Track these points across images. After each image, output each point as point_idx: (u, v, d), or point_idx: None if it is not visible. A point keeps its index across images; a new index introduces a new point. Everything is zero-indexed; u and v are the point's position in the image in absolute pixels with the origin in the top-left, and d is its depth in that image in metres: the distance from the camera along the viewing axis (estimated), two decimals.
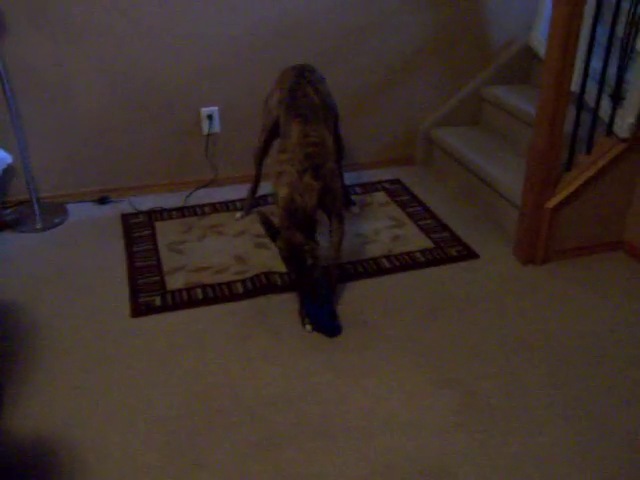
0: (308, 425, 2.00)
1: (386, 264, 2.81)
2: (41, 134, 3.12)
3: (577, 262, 2.86)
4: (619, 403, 2.11)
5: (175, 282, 2.67)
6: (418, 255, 2.88)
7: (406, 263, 2.82)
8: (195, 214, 3.21)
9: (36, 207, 3.11)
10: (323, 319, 2.40)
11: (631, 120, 2.60)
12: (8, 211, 3.15)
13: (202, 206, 3.27)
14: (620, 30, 2.60)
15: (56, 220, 3.12)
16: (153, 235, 3.01)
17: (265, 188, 3.15)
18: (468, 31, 3.52)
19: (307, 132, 2.42)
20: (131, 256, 2.85)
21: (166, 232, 3.04)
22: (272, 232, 2.33)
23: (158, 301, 2.56)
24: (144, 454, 1.90)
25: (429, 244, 2.97)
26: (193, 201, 3.33)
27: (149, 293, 2.60)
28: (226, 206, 3.28)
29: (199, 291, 2.62)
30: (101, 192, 3.31)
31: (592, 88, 2.71)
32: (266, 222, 2.32)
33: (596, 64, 2.65)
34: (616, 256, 2.92)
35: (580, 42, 2.46)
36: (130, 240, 2.97)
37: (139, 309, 2.51)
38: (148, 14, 3.01)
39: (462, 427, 2.01)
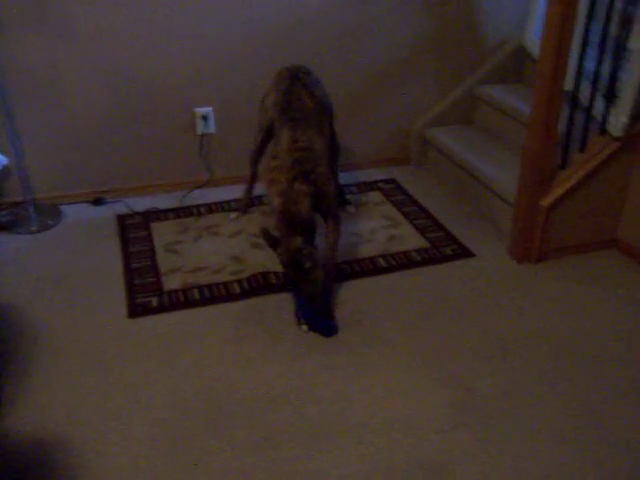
0: (306, 424, 2.01)
1: (382, 263, 2.82)
2: (36, 135, 3.11)
3: (572, 260, 2.88)
4: (616, 400, 2.13)
5: (172, 283, 2.67)
6: (414, 254, 2.89)
7: (402, 262, 2.83)
8: (191, 215, 3.20)
9: (31, 208, 3.10)
10: (318, 319, 2.41)
11: (624, 119, 2.62)
12: (3, 213, 3.14)
13: (198, 207, 3.27)
14: (613, 29, 2.61)
15: (51, 221, 3.11)
16: (149, 236, 3.01)
17: (261, 188, 3.15)
18: (462, 31, 3.53)
19: (296, 138, 2.44)
20: (127, 257, 2.84)
21: (162, 233, 3.04)
22: (272, 243, 2.37)
23: (155, 302, 2.56)
24: (143, 454, 1.90)
25: (425, 243, 2.98)
26: (189, 202, 3.33)
27: (146, 294, 2.60)
28: (222, 206, 3.28)
29: (196, 292, 2.62)
30: (96, 193, 3.31)
31: (586, 87, 2.73)
32: (265, 234, 2.37)
33: (589, 63, 2.67)
34: (610, 254, 2.94)
35: (573, 41, 2.48)
36: (126, 241, 2.96)
37: (136, 310, 2.51)
38: (143, 14, 3.01)
39: (460, 425, 2.02)
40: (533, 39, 3.42)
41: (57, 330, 2.40)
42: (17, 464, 1.86)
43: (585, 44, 2.59)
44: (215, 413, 2.05)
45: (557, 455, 1.92)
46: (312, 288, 2.33)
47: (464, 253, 2.91)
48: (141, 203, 3.29)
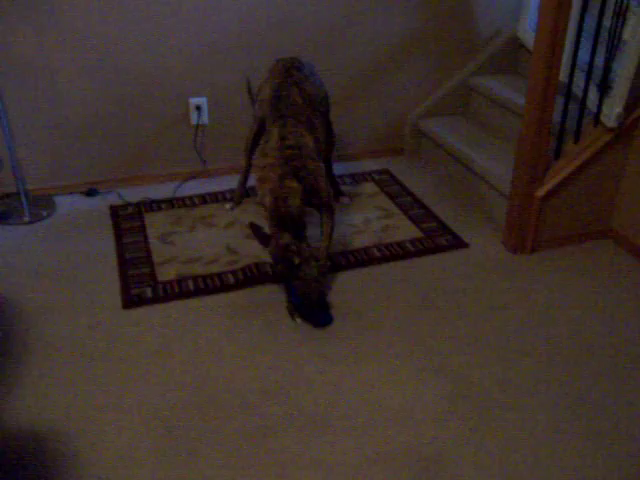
0: (302, 414, 2.02)
1: (376, 254, 2.82)
2: (28, 126, 3.09)
3: (566, 250, 2.89)
4: (610, 389, 2.14)
5: (166, 274, 2.67)
6: (408, 245, 2.89)
7: (396, 253, 2.84)
8: (185, 205, 3.20)
9: (24, 200, 3.09)
10: (312, 310, 2.41)
11: (619, 110, 2.63)
12: None
13: (192, 197, 3.27)
14: (607, 20, 2.61)
15: (44, 213, 3.09)
16: (143, 227, 3.00)
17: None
18: (455, 22, 3.53)
19: (285, 135, 2.48)
20: (121, 248, 2.83)
21: (156, 224, 3.03)
22: (263, 239, 2.43)
23: (149, 292, 2.55)
24: (139, 445, 1.90)
25: (419, 234, 2.98)
26: (183, 192, 3.32)
27: (140, 285, 2.60)
28: (216, 197, 3.27)
29: (190, 282, 2.62)
30: (89, 184, 3.29)
31: (580, 78, 2.73)
32: (256, 230, 2.43)
33: (584, 54, 2.67)
34: (604, 244, 2.95)
35: (568, 32, 2.48)
36: (120, 232, 2.95)
37: (130, 301, 2.50)
38: (136, 4, 2.99)
39: (455, 415, 2.03)
40: (527, 30, 3.43)
41: (51, 321, 2.39)
42: (12, 455, 1.86)
43: (579, 35, 2.59)
44: (210, 403, 2.05)
45: (551, 445, 1.94)
46: (302, 284, 2.35)
47: (458, 243, 2.92)
48: (135, 194, 3.28)
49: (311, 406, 2.05)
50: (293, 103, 2.61)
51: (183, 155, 3.40)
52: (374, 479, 1.81)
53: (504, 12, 3.59)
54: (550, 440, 1.95)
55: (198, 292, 2.57)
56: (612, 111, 2.65)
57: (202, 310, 2.48)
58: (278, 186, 2.39)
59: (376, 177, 3.52)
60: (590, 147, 2.73)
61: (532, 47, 2.57)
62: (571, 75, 2.66)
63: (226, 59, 3.23)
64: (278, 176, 2.40)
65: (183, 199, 3.25)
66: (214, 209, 3.16)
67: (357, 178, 3.50)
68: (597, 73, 2.69)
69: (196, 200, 3.24)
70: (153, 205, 3.19)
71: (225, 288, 2.59)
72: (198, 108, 3.29)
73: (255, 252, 2.80)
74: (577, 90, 2.76)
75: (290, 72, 2.73)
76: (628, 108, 2.65)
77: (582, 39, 2.61)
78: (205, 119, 3.34)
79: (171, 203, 3.21)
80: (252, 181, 3.16)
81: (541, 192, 2.73)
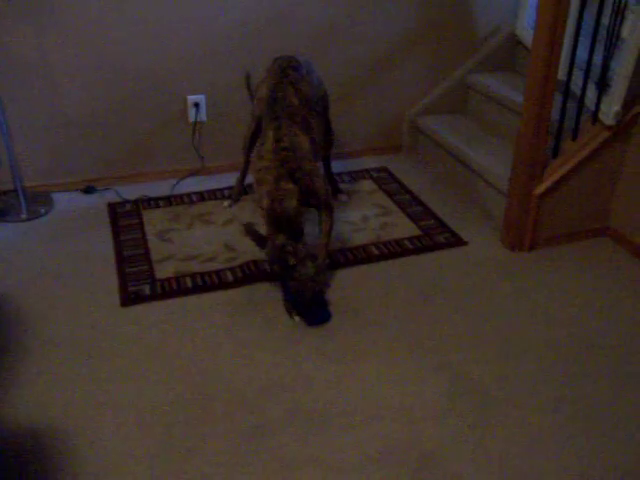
0: (301, 411, 2.02)
1: (375, 251, 2.82)
2: (26, 123, 3.08)
3: (564, 248, 2.90)
4: (608, 387, 2.15)
5: (164, 271, 2.67)
6: (406, 242, 2.89)
7: (395, 250, 2.84)
8: (183, 203, 3.19)
9: (21, 197, 3.08)
10: (310, 308, 2.41)
11: (617, 108, 2.63)
12: None
13: (190, 195, 3.26)
14: (606, 18, 2.62)
15: (42, 210, 3.09)
16: (141, 224, 3.00)
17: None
18: (454, 19, 3.53)
19: (280, 137, 2.47)
20: (119, 245, 2.83)
21: (154, 221, 3.02)
22: (259, 241, 2.44)
23: (147, 290, 2.55)
24: (137, 442, 1.90)
25: (417, 231, 2.98)
26: (181, 190, 3.31)
27: (138, 282, 2.59)
28: (214, 194, 3.27)
29: (188, 279, 2.62)
30: (87, 181, 3.28)
31: (578, 76, 2.73)
32: (252, 232, 2.45)
33: (582, 52, 2.67)
34: (602, 242, 2.95)
35: (566, 30, 2.48)
36: (117, 229, 2.95)
37: (128, 298, 2.50)
38: (135, 3, 2.98)
39: (454, 412, 2.03)
40: (526, 28, 3.43)
41: (49, 319, 2.39)
42: (11, 453, 1.86)
43: (578, 33, 2.59)
44: (208, 400, 2.05)
45: (550, 442, 1.94)
46: (297, 283, 2.36)
47: (456, 241, 2.92)
48: (132, 191, 3.27)
49: (310, 403, 2.05)
50: (289, 104, 2.60)
51: (181, 152, 3.40)
52: (373, 476, 1.82)
53: (502, 9, 3.59)
54: (549, 437, 1.95)
55: (196, 289, 2.56)
56: (610, 109, 2.65)
57: (200, 307, 2.47)
58: (274, 188, 2.39)
59: (374, 175, 3.52)
60: (588, 145, 2.73)
61: (530, 45, 2.57)
62: (569, 73, 2.67)
63: (224, 57, 3.23)
64: (274, 178, 2.40)
65: (181, 196, 3.25)
66: (212, 206, 3.16)
67: (355, 176, 3.50)
68: (595, 71, 2.70)
69: (194, 197, 3.24)
70: (151, 202, 3.18)
71: (223, 285, 2.59)
72: (196, 105, 3.29)
73: (253, 249, 2.79)
74: (575, 88, 2.76)
75: (286, 72, 2.72)
76: (626, 106, 2.65)
77: (580, 37, 2.61)
78: (203, 116, 3.34)
79: (169, 200, 3.21)
80: (250, 178, 3.18)
81: (539, 190, 2.73)
